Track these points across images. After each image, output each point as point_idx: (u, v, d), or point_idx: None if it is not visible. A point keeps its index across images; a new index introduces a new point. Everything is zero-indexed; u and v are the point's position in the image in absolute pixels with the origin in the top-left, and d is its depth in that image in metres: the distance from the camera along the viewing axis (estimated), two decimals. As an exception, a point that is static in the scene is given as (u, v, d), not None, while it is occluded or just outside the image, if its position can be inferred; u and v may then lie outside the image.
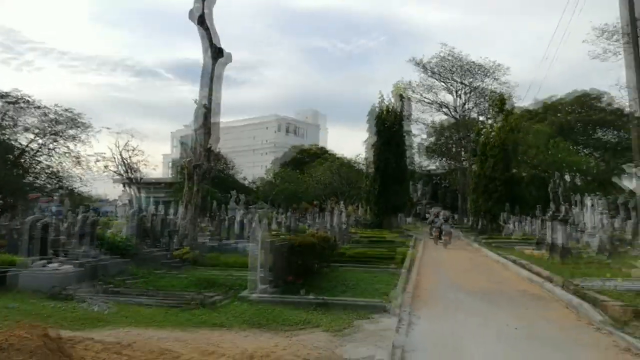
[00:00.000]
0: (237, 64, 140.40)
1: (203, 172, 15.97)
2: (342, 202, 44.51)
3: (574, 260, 15.30)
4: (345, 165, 57.42)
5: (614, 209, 32.98)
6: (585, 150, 53.29)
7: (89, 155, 35.21)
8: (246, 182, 67.91)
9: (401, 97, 39.52)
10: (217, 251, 16.54)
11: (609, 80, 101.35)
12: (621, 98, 40.33)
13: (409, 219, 57.25)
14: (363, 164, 43.57)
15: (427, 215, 38.83)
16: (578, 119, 53.39)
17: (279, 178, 58.82)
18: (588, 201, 24.16)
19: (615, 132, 52.31)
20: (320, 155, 66.40)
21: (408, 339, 6.87)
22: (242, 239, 19.66)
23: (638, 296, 8.49)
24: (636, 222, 24.01)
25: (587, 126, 53.74)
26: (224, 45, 16.23)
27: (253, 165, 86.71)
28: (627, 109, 46.25)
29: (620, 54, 25.62)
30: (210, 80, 15.92)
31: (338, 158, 60.06)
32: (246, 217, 24.92)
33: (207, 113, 15.94)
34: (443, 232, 25.85)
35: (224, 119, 21.88)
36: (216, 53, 15.91)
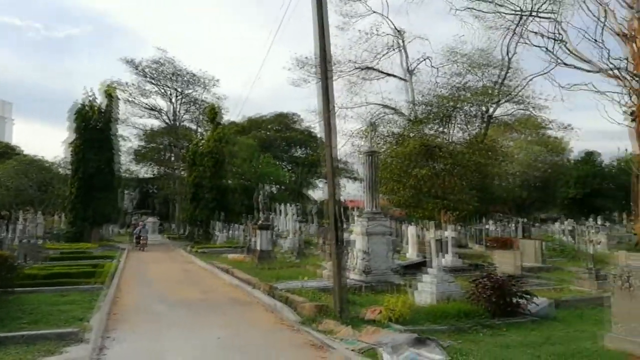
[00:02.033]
0: None
1: None
2: (39, 212, 37.97)
3: (275, 264, 16.89)
4: (39, 167, 49.38)
5: (305, 216, 38.35)
6: (283, 164, 60.70)
7: None
8: None
9: (111, 96, 36.43)
10: None
11: (304, 104, 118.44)
12: (311, 121, 47.51)
13: (120, 230, 53.27)
14: (69, 169, 38.21)
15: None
16: (277, 136, 60.50)
17: None
18: (289, 210, 27.25)
19: (305, 150, 61.45)
20: (8, 153, 55.25)
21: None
22: None
23: (325, 293, 9.82)
24: (318, 227, 28.58)
25: (284, 143, 61.50)
26: None
27: None
28: (315, 131, 55.21)
29: (310, 82, 30.14)
30: None
31: (26, 156, 50.98)
32: None
33: None
34: (141, 238, 29.86)
35: None
36: None
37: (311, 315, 8.41)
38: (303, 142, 60.93)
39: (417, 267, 13.58)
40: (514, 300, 8.08)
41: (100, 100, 35.37)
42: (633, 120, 23.48)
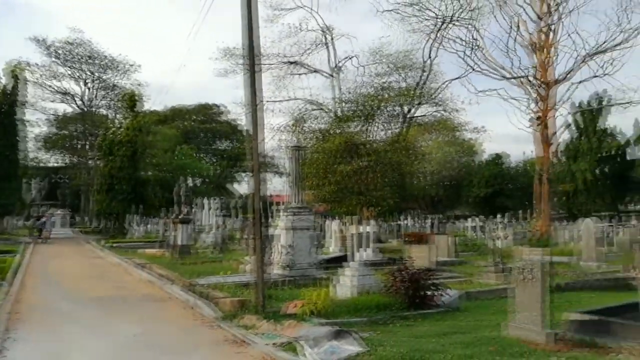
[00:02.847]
0: None
1: None
2: None
3: (195, 259, 16.47)
4: None
5: (228, 210, 37.74)
6: (206, 157, 59.20)
7: None
8: None
9: (17, 77, 33.41)
10: None
11: (230, 95, 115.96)
12: (237, 113, 46.73)
13: (26, 222, 49.10)
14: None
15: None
16: (201, 127, 58.84)
17: None
18: (207, 204, 26.68)
19: (229, 143, 60.29)
20: None
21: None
22: None
23: (246, 288, 9.72)
24: (241, 221, 28.27)
25: (208, 134, 59.97)
26: None
27: None
28: (240, 123, 54.36)
29: (236, 73, 29.67)
30: None
31: None
32: None
33: None
34: (42, 230, 28.94)
35: None
36: None
37: (231, 311, 8.31)
38: (228, 134, 59.75)
39: (339, 261, 13.85)
40: (427, 292, 8.52)
41: (6, 81, 32.40)
42: (538, 125, 25.69)
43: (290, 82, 30.97)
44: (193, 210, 33.19)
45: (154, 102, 52.10)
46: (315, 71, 31.03)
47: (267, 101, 28.42)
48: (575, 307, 8.27)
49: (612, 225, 29.99)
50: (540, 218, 25.33)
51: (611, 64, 24.30)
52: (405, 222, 35.88)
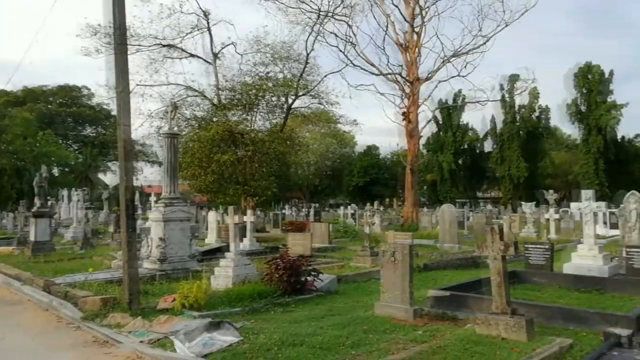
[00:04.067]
0: None
1: None
2: None
3: (58, 257, 14.92)
4: None
5: (99, 202, 34.84)
6: (70, 144, 53.85)
7: None
8: None
9: None
10: None
11: (96, 77, 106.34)
12: (103, 97, 43.00)
13: None
14: None
15: None
16: (64, 112, 53.28)
17: None
18: (74, 196, 24.36)
19: (96, 129, 55.38)
20: None
21: None
22: None
23: (117, 285, 9.00)
24: (109, 214, 26.28)
25: (73, 119, 54.55)
26: None
27: None
28: (108, 108, 50.11)
29: (103, 53, 27.19)
30: None
31: None
32: None
33: None
34: None
35: None
36: None
37: (96, 310, 7.66)
38: (95, 120, 54.90)
39: (218, 253, 13.57)
40: (306, 278, 8.71)
41: None
42: (405, 119, 27.65)
43: (169, 66, 29.36)
44: (57, 202, 30.08)
45: (4, 81, 45.70)
46: (193, 56, 29.71)
47: (139, 84, 26.60)
48: (438, 284, 9.10)
49: (471, 210, 33.60)
50: (407, 205, 27.38)
51: (470, 66, 27.08)
52: (288, 211, 36.39)
